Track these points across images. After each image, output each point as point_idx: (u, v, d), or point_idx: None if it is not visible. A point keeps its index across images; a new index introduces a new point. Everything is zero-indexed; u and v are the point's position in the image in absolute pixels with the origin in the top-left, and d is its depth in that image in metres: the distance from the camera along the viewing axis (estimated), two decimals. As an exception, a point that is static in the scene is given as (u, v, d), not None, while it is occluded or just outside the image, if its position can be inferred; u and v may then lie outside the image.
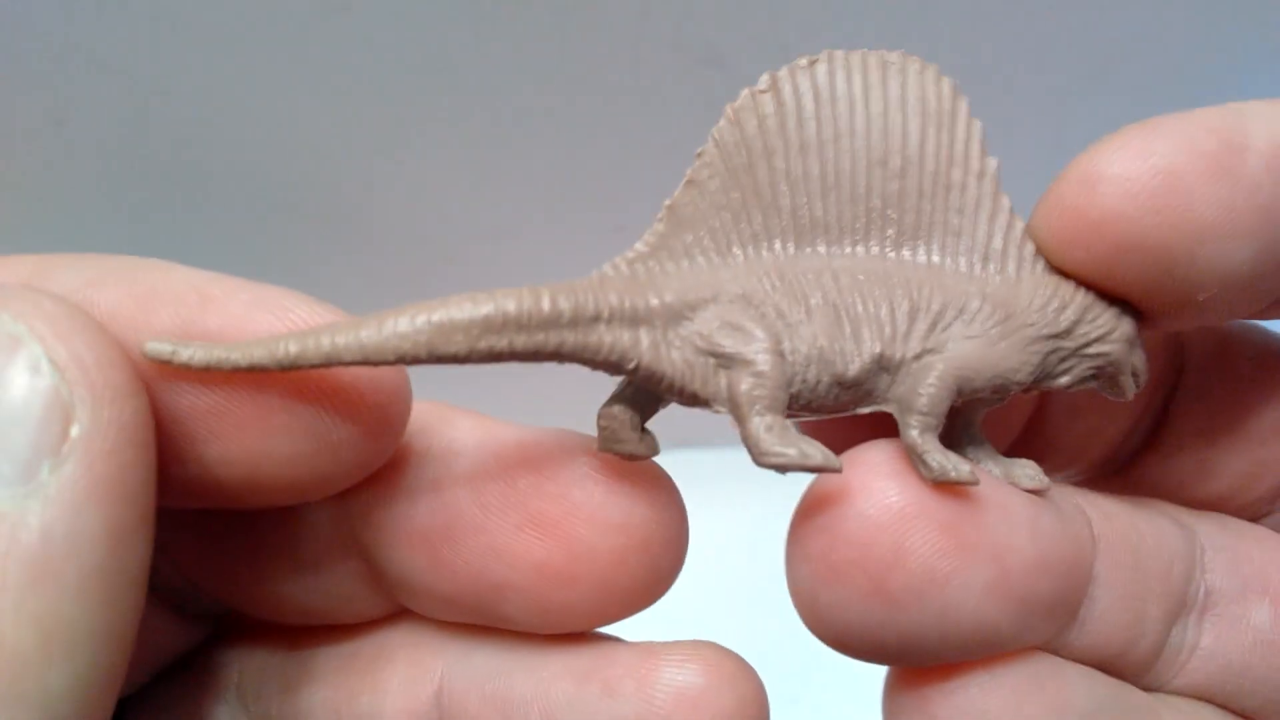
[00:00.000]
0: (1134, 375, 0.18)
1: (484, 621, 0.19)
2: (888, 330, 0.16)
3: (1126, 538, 0.19)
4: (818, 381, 0.16)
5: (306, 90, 0.39)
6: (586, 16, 0.37)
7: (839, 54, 0.17)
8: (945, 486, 0.16)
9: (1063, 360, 0.17)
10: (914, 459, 0.16)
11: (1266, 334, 0.21)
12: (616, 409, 0.17)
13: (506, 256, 0.44)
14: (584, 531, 0.17)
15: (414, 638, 0.20)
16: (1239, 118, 0.16)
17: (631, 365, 0.16)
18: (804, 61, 0.17)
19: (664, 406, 0.17)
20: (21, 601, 0.12)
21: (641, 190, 0.43)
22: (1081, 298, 0.17)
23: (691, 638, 0.18)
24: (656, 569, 0.18)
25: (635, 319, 0.16)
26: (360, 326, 0.15)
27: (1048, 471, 0.18)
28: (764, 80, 0.17)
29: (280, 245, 0.43)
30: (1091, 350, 0.17)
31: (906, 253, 0.17)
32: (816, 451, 0.15)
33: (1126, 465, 0.22)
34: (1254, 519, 0.21)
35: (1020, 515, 0.17)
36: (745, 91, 0.17)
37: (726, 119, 0.17)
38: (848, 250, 0.17)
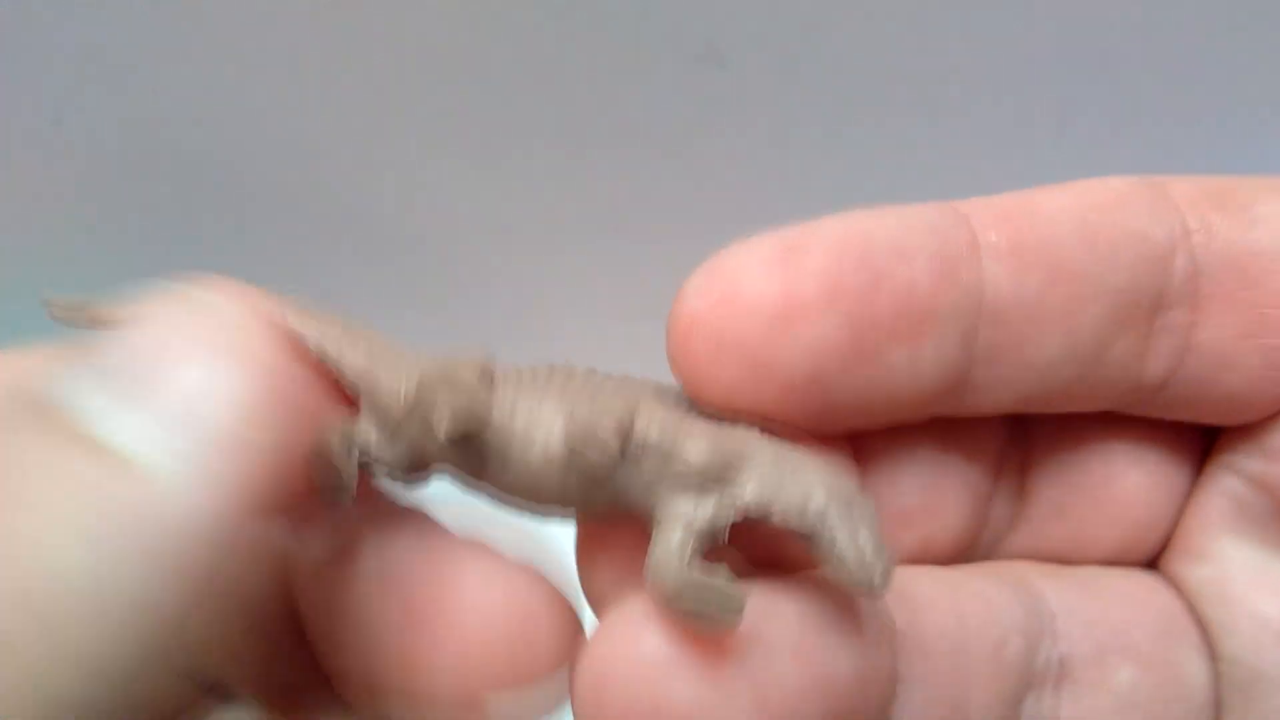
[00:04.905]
0: (853, 548, 0.16)
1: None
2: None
3: (943, 626, 0.18)
4: None
5: (306, 90, 0.39)
6: (585, 15, 0.37)
7: None
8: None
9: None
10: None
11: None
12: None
13: (505, 256, 0.44)
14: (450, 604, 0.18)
15: None
16: (806, 228, 0.17)
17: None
18: None
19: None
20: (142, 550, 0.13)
21: (641, 190, 0.43)
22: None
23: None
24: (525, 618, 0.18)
25: None
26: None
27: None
28: None
29: (280, 245, 0.43)
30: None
31: None
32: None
33: (995, 549, 0.21)
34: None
35: (784, 639, 0.16)
36: None
37: None
38: None
